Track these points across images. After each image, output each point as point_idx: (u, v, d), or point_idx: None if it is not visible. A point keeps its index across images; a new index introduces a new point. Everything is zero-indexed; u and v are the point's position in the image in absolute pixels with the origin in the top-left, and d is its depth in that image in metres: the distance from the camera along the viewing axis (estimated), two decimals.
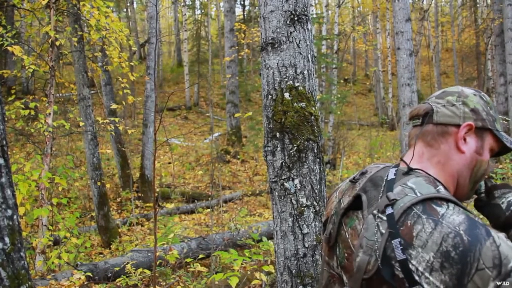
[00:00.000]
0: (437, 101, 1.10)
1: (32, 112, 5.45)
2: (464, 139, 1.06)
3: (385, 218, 0.94)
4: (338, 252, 1.08)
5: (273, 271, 3.70)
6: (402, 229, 0.91)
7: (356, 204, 1.05)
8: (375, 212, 0.98)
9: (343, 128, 14.27)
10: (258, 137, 11.99)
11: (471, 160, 1.08)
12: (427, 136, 1.09)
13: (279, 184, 1.76)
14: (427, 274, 0.86)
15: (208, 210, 8.00)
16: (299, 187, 1.73)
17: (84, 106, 6.42)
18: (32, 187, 4.17)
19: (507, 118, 8.84)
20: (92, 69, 7.38)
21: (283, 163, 1.74)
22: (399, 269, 0.89)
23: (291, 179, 1.74)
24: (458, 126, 1.05)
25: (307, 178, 1.75)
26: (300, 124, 1.74)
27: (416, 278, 0.87)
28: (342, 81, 20.32)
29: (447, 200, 0.95)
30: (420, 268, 0.87)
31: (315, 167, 1.76)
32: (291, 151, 1.73)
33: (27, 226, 5.09)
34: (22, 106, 5.41)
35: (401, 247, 0.89)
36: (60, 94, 7.97)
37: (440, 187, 0.99)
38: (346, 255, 1.04)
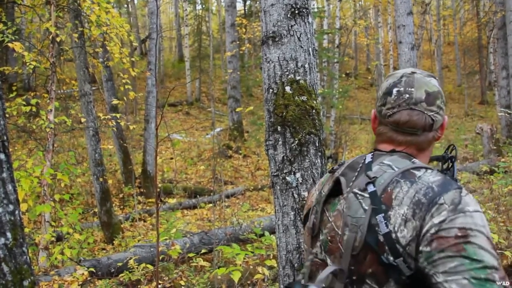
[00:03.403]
0: (431, 108, 1.08)
1: (34, 109, 5.45)
2: None
3: (367, 195, 0.98)
4: (321, 238, 1.10)
5: (275, 265, 3.70)
6: (383, 196, 0.96)
7: (336, 190, 1.10)
8: (355, 190, 1.02)
9: (345, 122, 14.24)
10: (260, 132, 11.96)
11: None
12: (423, 144, 1.10)
13: (281, 178, 1.75)
14: (402, 228, 0.91)
15: (210, 205, 8.02)
16: (300, 181, 1.73)
17: (85, 102, 6.41)
18: (34, 184, 4.18)
19: (508, 111, 8.79)
20: (93, 65, 7.36)
21: (285, 157, 1.74)
22: (384, 242, 0.93)
23: (292, 173, 1.73)
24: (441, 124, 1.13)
25: (309, 171, 1.74)
26: (302, 117, 1.73)
27: (399, 248, 0.91)
28: (343, 75, 20.23)
29: (426, 168, 1.00)
30: (398, 230, 0.92)
31: (316, 161, 1.76)
32: (292, 145, 1.73)
33: (30, 222, 5.10)
34: (24, 102, 5.41)
35: (385, 221, 0.93)
36: (62, 91, 7.97)
37: (415, 160, 1.04)
38: (329, 238, 1.06)
